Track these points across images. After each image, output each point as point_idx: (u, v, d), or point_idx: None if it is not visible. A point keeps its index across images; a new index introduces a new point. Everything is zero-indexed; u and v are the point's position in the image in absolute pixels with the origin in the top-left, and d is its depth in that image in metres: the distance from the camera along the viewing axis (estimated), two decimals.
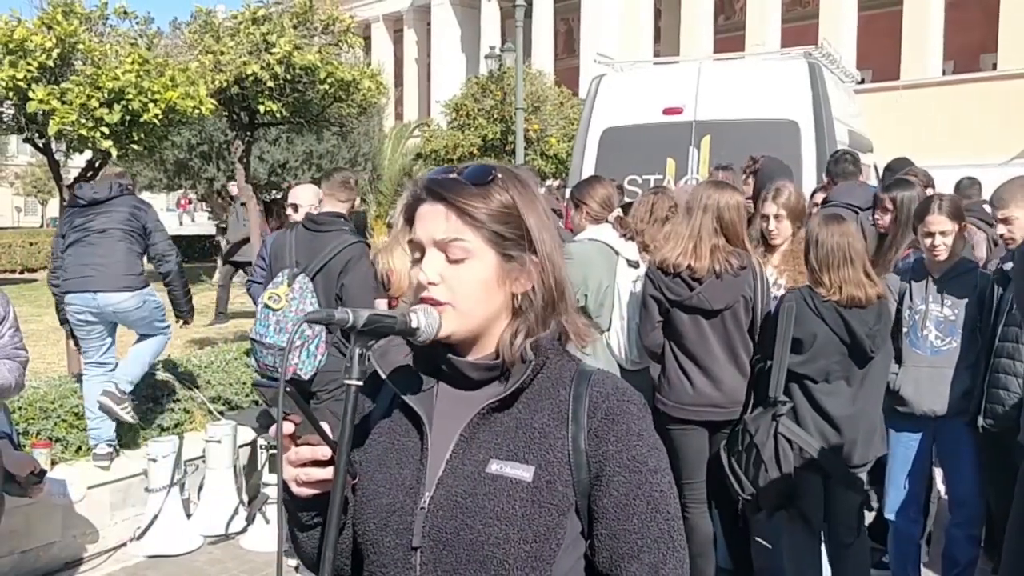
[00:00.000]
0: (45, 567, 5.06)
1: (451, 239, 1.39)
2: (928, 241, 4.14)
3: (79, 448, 5.48)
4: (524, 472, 1.37)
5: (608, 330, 4.48)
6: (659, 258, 4.06)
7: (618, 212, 4.56)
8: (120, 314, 5.56)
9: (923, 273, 4.23)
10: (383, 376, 1.47)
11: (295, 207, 5.32)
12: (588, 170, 7.65)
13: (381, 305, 4.45)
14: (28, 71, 6.02)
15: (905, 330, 4.21)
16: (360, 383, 1.35)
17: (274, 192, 20.78)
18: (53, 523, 5.10)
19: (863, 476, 4.02)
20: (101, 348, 5.61)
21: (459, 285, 1.40)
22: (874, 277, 3.90)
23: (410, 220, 1.46)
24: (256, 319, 4.81)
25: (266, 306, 4.71)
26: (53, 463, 5.18)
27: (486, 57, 24.76)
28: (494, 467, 1.38)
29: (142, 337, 5.72)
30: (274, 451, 5.49)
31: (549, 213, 1.48)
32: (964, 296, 4.12)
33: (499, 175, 1.43)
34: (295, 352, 4.54)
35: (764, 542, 4.52)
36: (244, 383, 6.63)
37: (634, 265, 4.51)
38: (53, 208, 47.45)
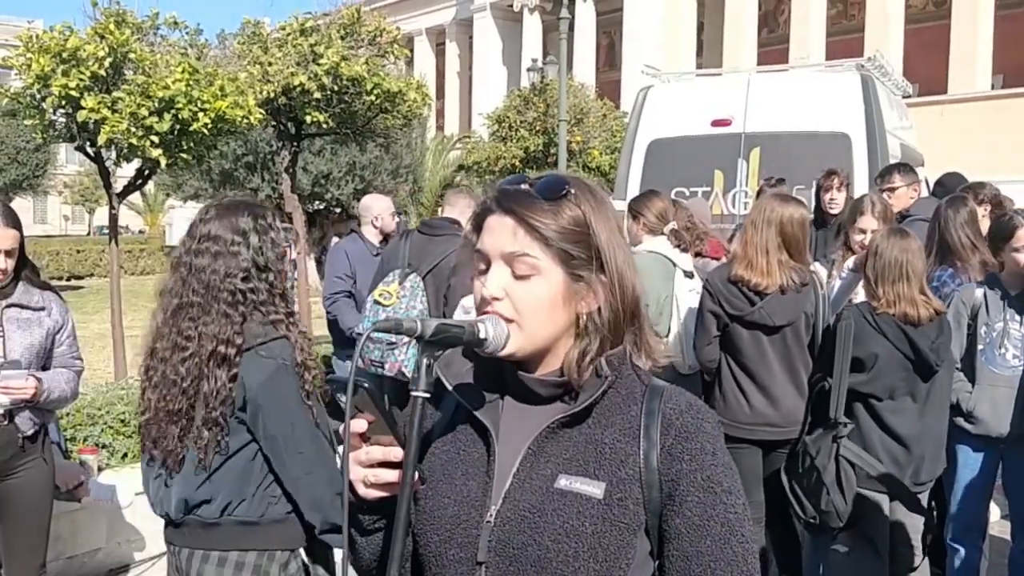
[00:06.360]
0: (90, 573, 5.08)
1: (519, 254, 1.35)
2: (1018, 256, 3.94)
3: (125, 455, 5.50)
4: (595, 488, 1.33)
5: (668, 336, 4.45)
6: (731, 273, 3.98)
7: (672, 225, 4.55)
8: None
9: (1000, 289, 4.05)
10: (448, 387, 1.43)
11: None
12: (634, 182, 7.56)
13: None
14: (80, 80, 6.09)
15: (981, 347, 4.03)
16: (428, 395, 1.31)
17: (317, 203, 20.94)
18: (99, 529, 5.11)
19: (926, 494, 3.90)
20: None
21: (524, 302, 1.35)
22: (930, 295, 3.78)
23: (478, 228, 1.42)
24: (366, 316, 5.03)
25: (376, 302, 4.93)
26: (100, 469, 5.19)
27: (528, 70, 24.85)
28: (563, 482, 1.34)
29: None
30: None
31: (623, 229, 1.43)
32: None
33: (572, 190, 1.38)
34: (401, 348, 4.75)
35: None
36: None
37: (689, 275, 4.50)
38: (100, 216, 48.22)
